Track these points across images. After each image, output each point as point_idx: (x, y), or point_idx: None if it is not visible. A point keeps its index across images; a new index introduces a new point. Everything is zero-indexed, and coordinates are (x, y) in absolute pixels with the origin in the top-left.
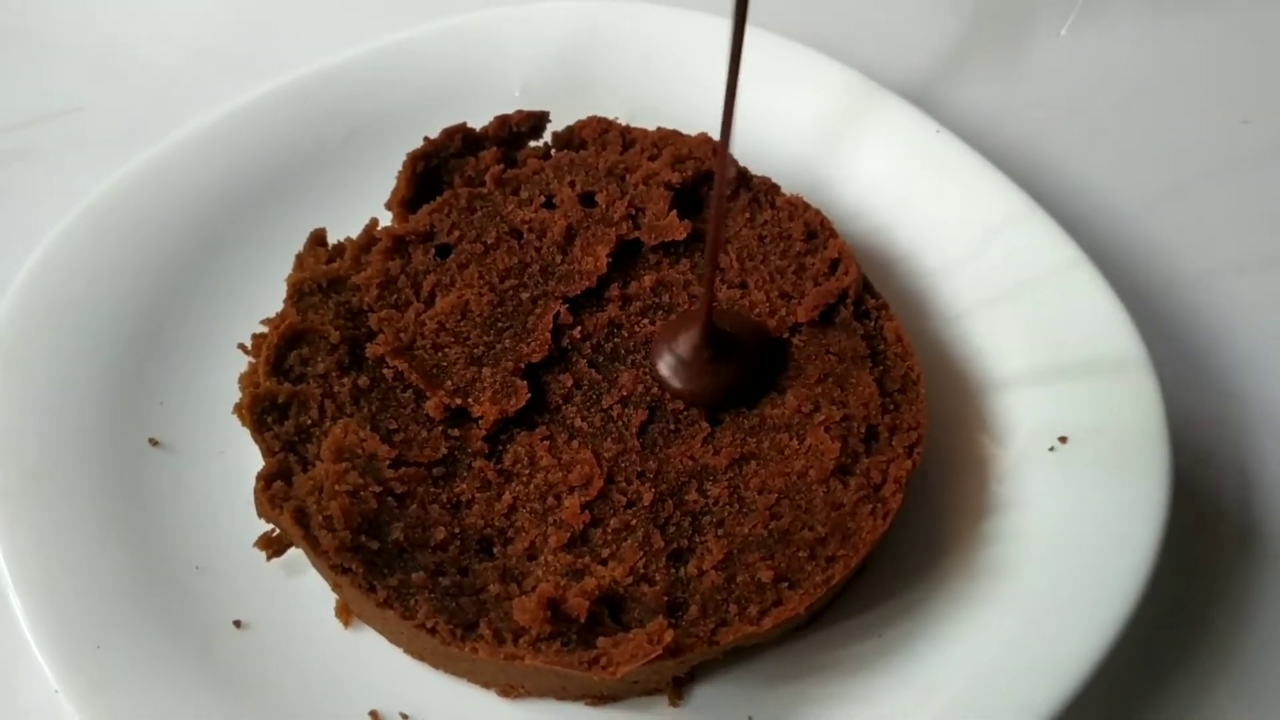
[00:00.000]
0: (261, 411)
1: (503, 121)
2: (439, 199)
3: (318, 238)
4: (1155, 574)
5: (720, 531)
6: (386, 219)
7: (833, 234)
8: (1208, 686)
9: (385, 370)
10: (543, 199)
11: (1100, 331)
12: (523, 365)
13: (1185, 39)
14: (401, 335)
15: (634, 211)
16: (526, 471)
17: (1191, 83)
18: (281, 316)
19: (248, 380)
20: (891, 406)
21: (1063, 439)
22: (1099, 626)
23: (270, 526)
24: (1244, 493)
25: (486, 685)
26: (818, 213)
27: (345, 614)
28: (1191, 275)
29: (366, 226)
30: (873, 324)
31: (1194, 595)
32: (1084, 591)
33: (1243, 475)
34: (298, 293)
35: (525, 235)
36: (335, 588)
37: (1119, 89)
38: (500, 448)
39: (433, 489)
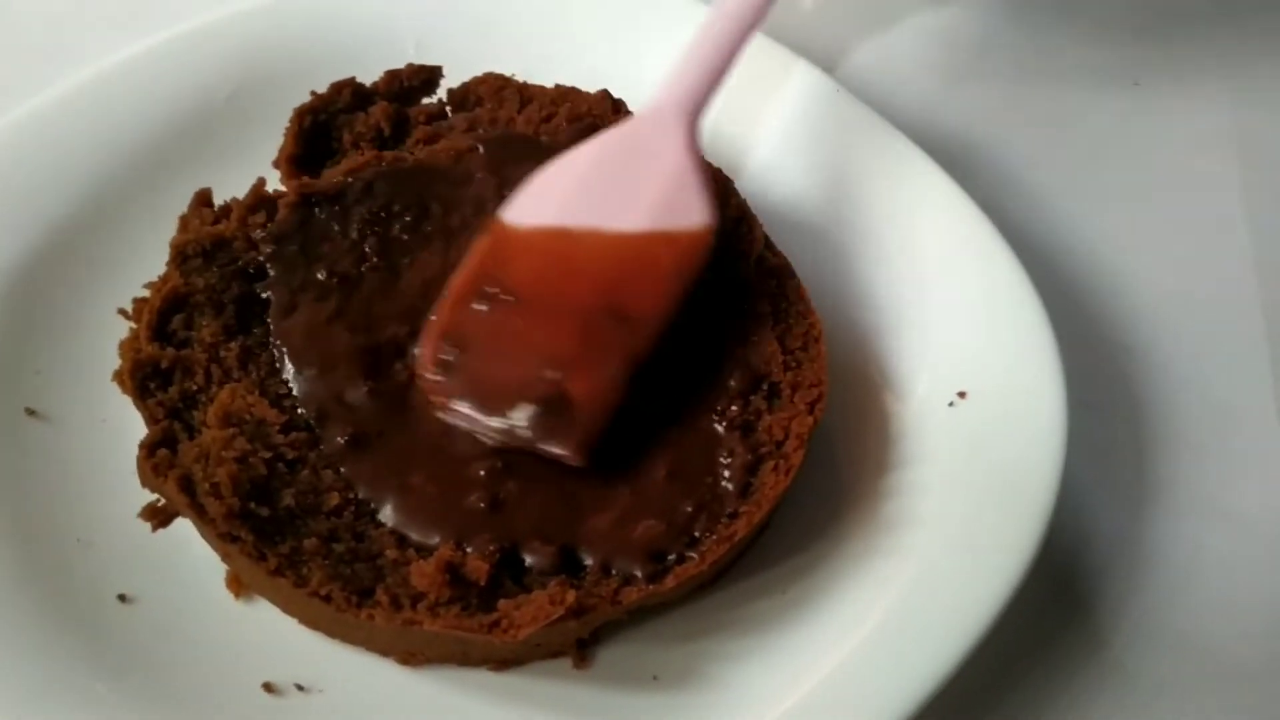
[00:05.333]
0: (144, 378)
1: (393, 76)
2: (346, 160)
3: (203, 198)
4: (1053, 523)
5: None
6: (274, 179)
7: (734, 193)
8: (1105, 633)
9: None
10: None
11: (998, 289)
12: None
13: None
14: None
15: None
16: None
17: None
18: (164, 280)
19: (128, 346)
20: (793, 364)
21: (961, 394)
22: (998, 577)
23: (155, 496)
24: (1137, 443)
25: (385, 653)
26: (719, 170)
27: (236, 585)
28: (1087, 234)
29: (253, 187)
30: (774, 282)
31: (1090, 543)
32: (984, 542)
33: (1135, 425)
34: (181, 255)
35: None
36: (225, 558)
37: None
38: None
39: (325, 454)
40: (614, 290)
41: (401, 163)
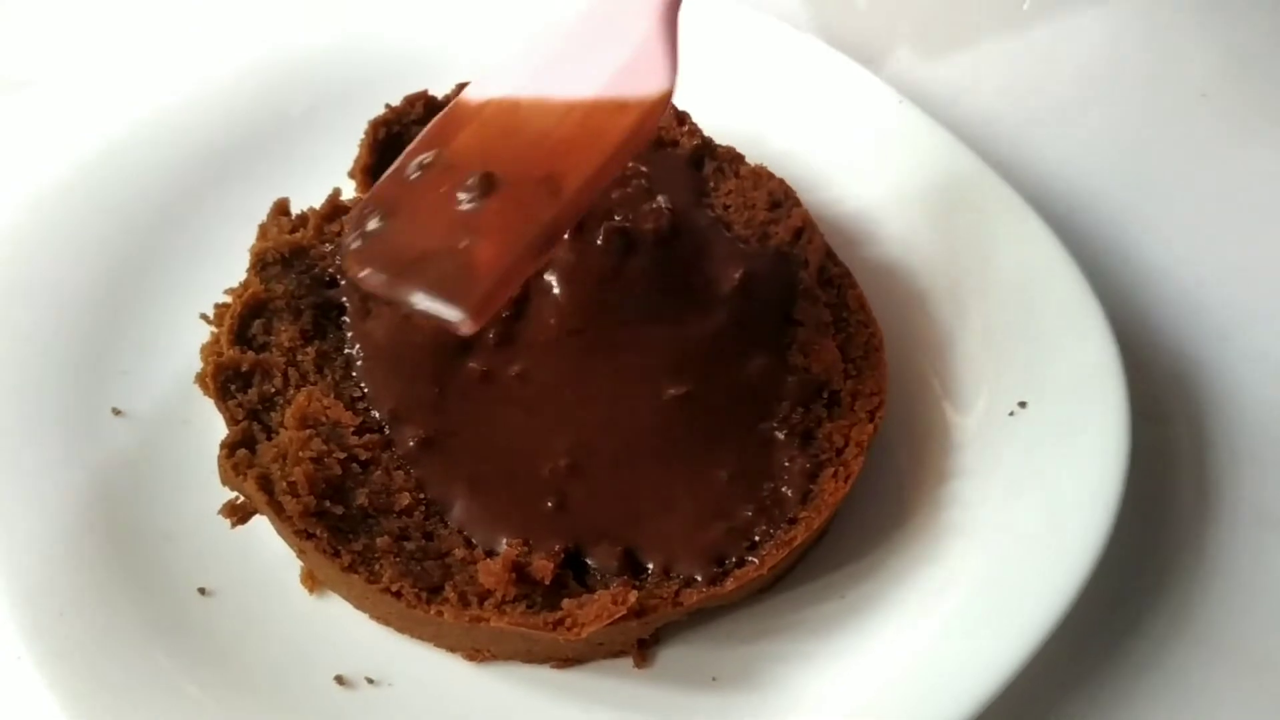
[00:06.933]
0: (225, 380)
1: (463, 88)
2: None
3: (281, 207)
4: (1114, 534)
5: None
6: (350, 189)
7: (797, 203)
8: (1168, 639)
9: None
10: None
11: (1060, 299)
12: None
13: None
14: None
15: None
16: None
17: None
18: (244, 286)
19: (210, 350)
20: (854, 372)
21: (1022, 404)
22: (1059, 583)
23: (234, 494)
24: (1199, 453)
25: (452, 649)
26: (782, 182)
27: (310, 580)
28: (1149, 244)
29: (330, 196)
30: (836, 292)
31: (1151, 554)
32: (1042, 551)
33: (1196, 437)
34: (261, 262)
35: None
36: (300, 554)
37: (1078, 65)
38: None
39: (397, 456)
40: (549, 159)
41: None
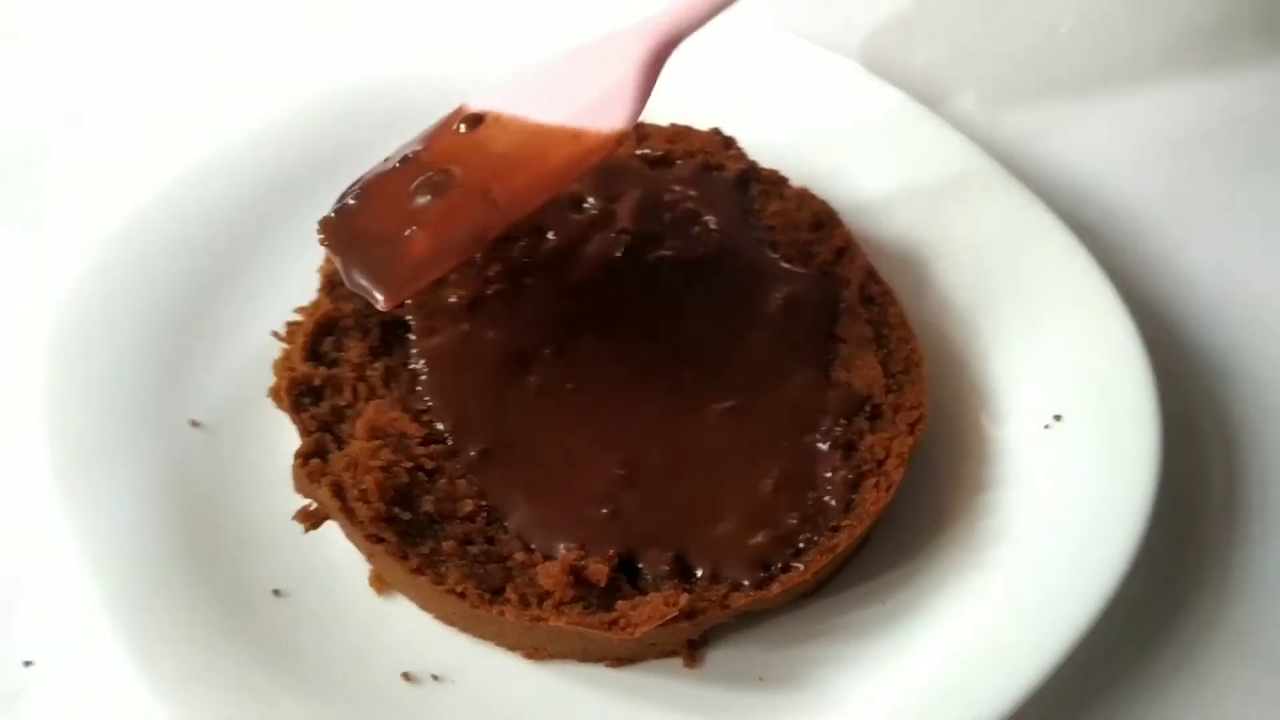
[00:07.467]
0: (298, 394)
1: None
2: None
3: None
4: (1146, 541)
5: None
6: None
7: (839, 224)
8: (1197, 647)
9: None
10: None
11: (1094, 315)
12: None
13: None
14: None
15: None
16: None
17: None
18: (315, 305)
19: (283, 365)
20: (895, 387)
21: (1057, 417)
22: (1089, 593)
23: (307, 501)
24: (1230, 467)
25: (513, 648)
26: (824, 203)
27: (379, 583)
28: (1179, 256)
29: None
30: (877, 309)
31: (1181, 564)
32: (1078, 557)
33: (1227, 448)
34: (331, 283)
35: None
36: (369, 557)
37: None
38: None
39: (460, 465)
40: (498, 172)
41: None
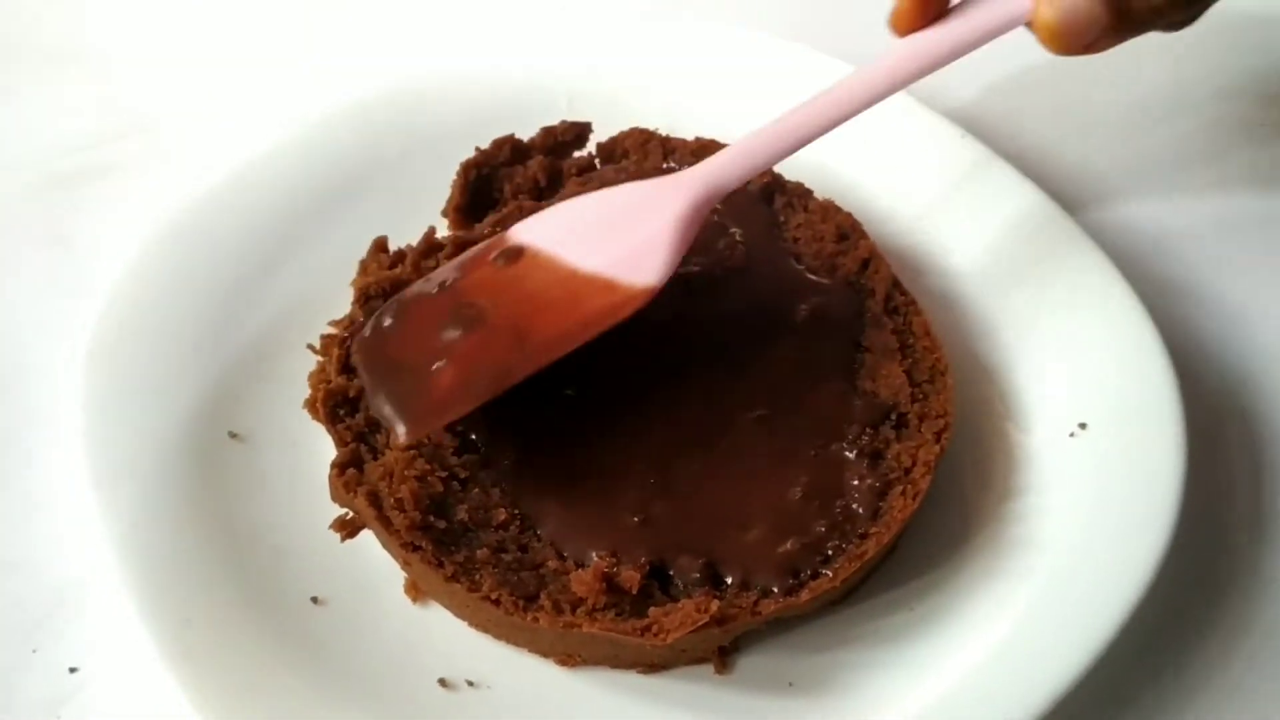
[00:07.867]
0: (334, 405)
1: (548, 133)
2: (501, 211)
3: (380, 245)
4: (1172, 548)
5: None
6: (444, 227)
7: (863, 235)
8: (1224, 654)
9: None
10: None
11: (1118, 323)
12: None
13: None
14: None
15: None
16: None
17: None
18: (350, 319)
19: (318, 378)
20: (920, 396)
21: (1083, 425)
22: (1116, 600)
23: (344, 510)
24: (1256, 475)
25: (546, 655)
26: (849, 215)
27: (415, 590)
28: (1204, 266)
29: (425, 234)
30: (902, 319)
31: (1208, 571)
32: (1103, 567)
33: (1252, 456)
34: (364, 296)
35: None
36: (405, 565)
37: (1135, 93)
38: None
39: (493, 474)
40: (530, 314)
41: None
